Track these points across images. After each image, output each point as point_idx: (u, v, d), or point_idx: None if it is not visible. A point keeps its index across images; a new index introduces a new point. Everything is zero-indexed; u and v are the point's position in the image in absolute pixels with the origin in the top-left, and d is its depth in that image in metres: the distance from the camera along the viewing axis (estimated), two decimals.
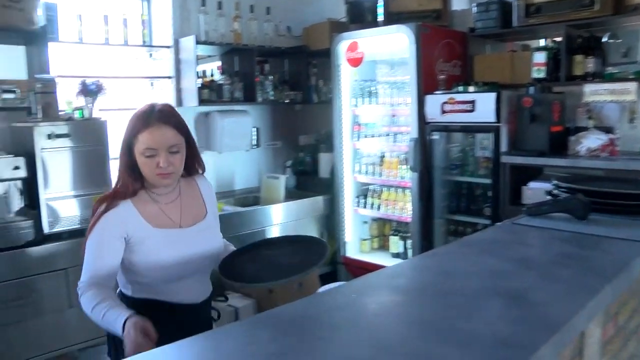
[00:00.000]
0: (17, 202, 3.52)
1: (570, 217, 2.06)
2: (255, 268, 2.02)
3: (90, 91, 3.79)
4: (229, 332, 1.27)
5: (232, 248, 2.20)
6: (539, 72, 4.25)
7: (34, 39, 3.77)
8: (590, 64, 4.15)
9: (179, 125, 1.89)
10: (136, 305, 1.87)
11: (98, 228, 1.85)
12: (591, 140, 3.96)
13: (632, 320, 1.97)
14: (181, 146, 1.89)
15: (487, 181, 4.15)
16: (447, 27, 4.93)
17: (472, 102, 4.10)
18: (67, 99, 3.85)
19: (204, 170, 2.13)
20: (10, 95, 3.65)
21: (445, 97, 4.24)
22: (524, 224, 2.04)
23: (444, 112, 4.24)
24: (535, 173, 4.08)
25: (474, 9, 4.72)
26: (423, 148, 4.36)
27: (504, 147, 4.04)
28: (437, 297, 1.36)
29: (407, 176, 4.52)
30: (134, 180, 1.90)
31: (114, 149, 4.22)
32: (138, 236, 1.87)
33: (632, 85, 3.92)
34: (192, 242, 1.96)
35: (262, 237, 4.41)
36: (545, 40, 4.53)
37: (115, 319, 1.67)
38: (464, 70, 4.80)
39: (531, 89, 4.10)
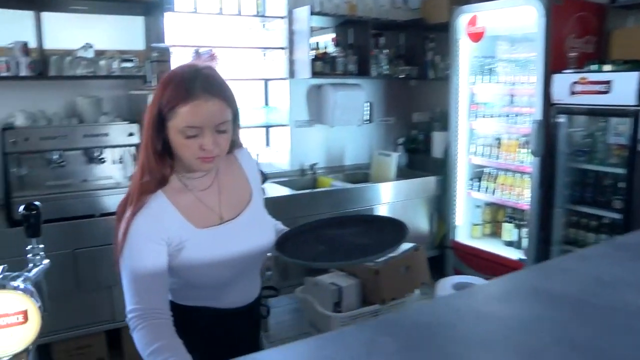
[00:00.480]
0: (130, 168, 3.60)
1: None
2: (321, 249, 1.73)
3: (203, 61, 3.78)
4: (346, 338, 1.10)
5: (282, 227, 1.95)
6: None
7: (151, 9, 3.81)
8: None
9: (229, 97, 1.53)
10: (179, 312, 1.59)
11: (132, 238, 1.48)
12: None
13: None
14: (229, 123, 1.53)
15: (620, 171, 3.75)
16: None
17: (608, 82, 3.71)
18: None
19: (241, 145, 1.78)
20: (128, 64, 3.72)
21: (575, 77, 3.87)
22: None
23: (573, 93, 3.87)
24: None
25: None
26: (546, 131, 4.02)
27: None
28: (597, 314, 1.12)
29: (527, 160, 4.21)
30: (164, 165, 1.54)
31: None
32: (178, 238, 1.54)
33: None
34: (241, 237, 1.64)
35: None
36: None
37: None
38: (598, 47, 4.36)
39: None
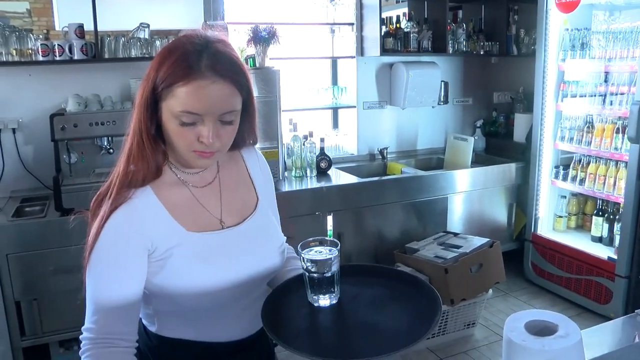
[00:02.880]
0: None
1: None
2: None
3: (261, 38, 3.58)
4: None
5: (292, 254, 1.51)
6: None
7: None
8: None
9: (242, 82, 1.23)
10: (162, 346, 1.34)
11: (105, 241, 1.20)
12: None
13: None
14: (237, 114, 1.25)
15: None
16: None
17: None
18: (240, 46, 3.67)
19: (255, 142, 1.46)
20: None
21: None
22: None
23: None
24: None
25: None
26: None
27: None
28: None
29: (624, 147, 3.75)
30: (156, 153, 1.25)
31: (287, 100, 4.05)
32: (165, 245, 1.24)
33: None
34: (244, 249, 1.32)
35: (443, 206, 4.12)
36: None
37: None
38: None
39: None
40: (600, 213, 4.11)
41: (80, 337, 1.21)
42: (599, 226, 4.10)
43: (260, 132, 3.36)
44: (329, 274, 1.22)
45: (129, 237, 1.20)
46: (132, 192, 1.23)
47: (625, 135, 3.69)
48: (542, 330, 1.22)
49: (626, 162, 3.72)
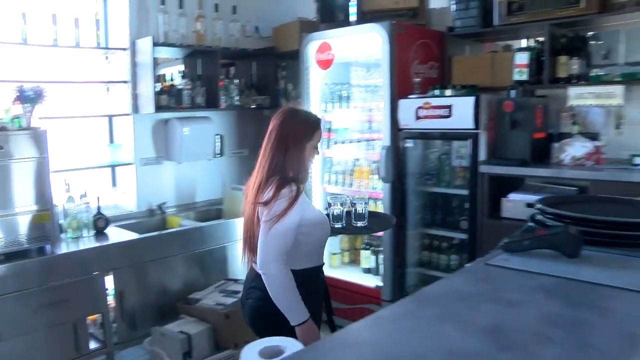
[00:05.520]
0: None
1: (558, 253, 1.70)
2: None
3: (27, 98, 3.54)
4: None
5: None
6: (520, 74, 4.05)
7: None
8: (574, 66, 3.97)
9: None
10: (304, 276, 2.38)
11: (297, 210, 2.29)
12: (576, 148, 3.76)
13: None
14: None
15: (464, 192, 3.93)
16: (424, 26, 4.74)
17: (449, 106, 3.90)
18: (5, 106, 3.59)
19: None
20: None
21: (420, 102, 4.04)
22: (501, 265, 1.66)
23: (418, 117, 4.03)
24: (516, 183, 3.89)
25: (453, 7, 4.54)
26: (396, 156, 4.15)
27: (482, 155, 3.83)
28: None
29: (380, 187, 4.30)
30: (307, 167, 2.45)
31: (62, 160, 4.00)
32: (307, 207, 2.39)
33: (618, 89, 3.74)
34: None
35: (224, 255, 4.32)
36: (527, 41, 4.33)
37: (303, 310, 2.32)
38: (442, 73, 4.60)
39: (512, 93, 3.91)
40: (368, 247, 4.61)
41: (271, 262, 2.28)
42: (367, 258, 4.60)
43: (30, 194, 3.33)
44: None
45: (302, 210, 2.33)
46: (300, 186, 2.39)
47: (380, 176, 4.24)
48: (274, 353, 1.46)
49: (382, 199, 4.26)
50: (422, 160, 4.29)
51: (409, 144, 4.15)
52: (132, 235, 4.01)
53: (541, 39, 4.14)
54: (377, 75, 4.42)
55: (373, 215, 2.70)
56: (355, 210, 2.67)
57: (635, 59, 4.22)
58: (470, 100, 3.79)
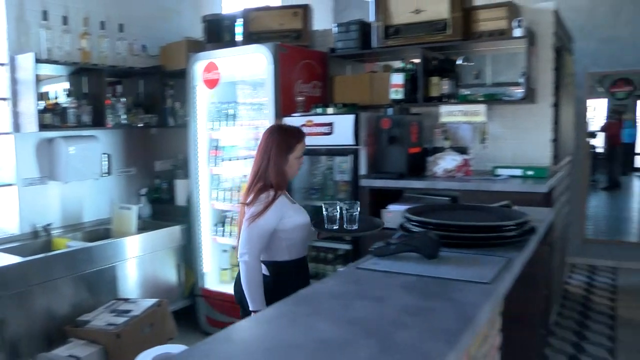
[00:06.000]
0: None
1: (420, 255, 1.93)
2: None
3: None
4: None
5: None
6: (396, 94, 4.35)
7: None
8: (445, 86, 4.31)
9: None
10: (293, 266, 2.84)
11: (273, 213, 2.72)
12: (447, 161, 4.08)
13: (484, 346, 1.98)
14: None
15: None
16: (307, 47, 4.95)
17: (330, 124, 4.11)
18: None
19: None
20: None
21: (303, 120, 4.22)
22: (369, 268, 1.87)
23: None
24: (396, 195, 4.14)
25: (335, 30, 4.78)
26: None
27: (362, 170, 4.07)
28: None
29: None
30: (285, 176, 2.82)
31: None
32: (287, 211, 2.76)
33: (481, 107, 4.10)
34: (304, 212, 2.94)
35: (113, 274, 4.29)
36: (404, 62, 4.64)
37: (261, 300, 2.69)
38: (324, 92, 4.82)
39: (389, 110, 4.17)
40: None
41: (244, 255, 2.70)
42: None
43: None
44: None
45: (277, 212, 2.75)
46: (279, 193, 2.79)
47: None
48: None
49: None
50: (307, 176, 4.47)
51: None
52: (13, 259, 3.88)
53: (416, 60, 4.47)
54: (263, 93, 4.55)
55: (362, 219, 2.90)
56: (350, 214, 2.83)
57: (500, 80, 4.64)
58: (350, 118, 4.02)
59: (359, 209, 2.85)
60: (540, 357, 3.95)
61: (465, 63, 4.87)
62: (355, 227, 2.84)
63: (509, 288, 1.95)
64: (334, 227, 2.87)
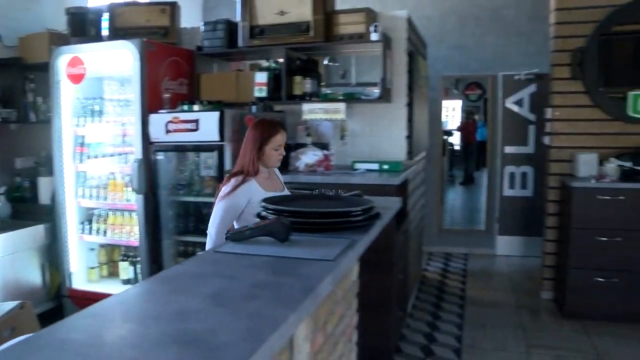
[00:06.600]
0: None
1: (274, 240, 2.10)
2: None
3: None
4: None
5: None
6: (260, 92, 4.51)
7: None
8: (308, 85, 4.53)
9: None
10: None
11: (240, 195, 2.90)
12: (309, 157, 4.30)
13: (340, 325, 2.17)
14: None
15: (213, 200, 4.22)
16: (175, 44, 4.99)
17: (196, 121, 4.19)
18: None
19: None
20: None
21: (169, 116, 4.27)
22: (227, 251, 2.02)
23: (168, 131, 4.26)
24: None
25: (202, 28, 4.86)
26: (148, 169, 4.33)
27: (228, 165, 4.17)
28: (111, 356, 1.21)
29: (133, 199, 4.44)
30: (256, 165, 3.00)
31: None
32: (256, 195, 2.87)
33: (341, 105, 4.36)
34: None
35: None
36: (269, 61, 4.80)
37: None
38: (191, 89, 4.90)
39: (254, 108, 4.32)
40: (125, 258, 4.71)
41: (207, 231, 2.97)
42: (125, 269, 4.69)
43: None
44: None
45: (243, 196, 2.92)
46: (248, 178, 2.95)
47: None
48: None
49: (136, 211, 4.40)
50: (175, 172, 4.53)
51: (160, 156, 4.36)
52: None
53: (281, 60, 4.66)
54: (130, 90, 4.54)
55: None
56: None
57: (363, 80, 4.94)
58: (215, 115, 4.13)
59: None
60: (398, 336, 4.26)
61: (332, 63, 5.15)
62: None
63: (353, 264, 2.21)
64: None
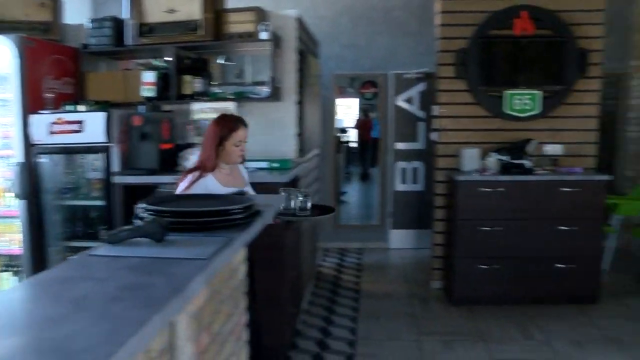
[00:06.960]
0: None
1: (149, 239, 2.06)
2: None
3: None
4: None
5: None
6: (149, 91, 4.42)
7: None
8: (197, 84, 4.48)
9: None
10: None
11: (191, 191, 2.87)
12: (196, 156, 4.25)
13: (227, 324, 2.16)
14: None
15: (101, 203, 4.13)
16: (57, 41, 4.79)
17: (81, 122, 4.06)
18: None
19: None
20: None
21: (53, 117, 4.11)
22: (101, 254, 1.95)
23: (52, 133, 4.10)
24: (150, 191, 4.21)
25: (88, 25, 4.70)
26: (31, 172, 4.14)
27: (115, 167, 4.08)
28: None
29: (15, 204, 4.23)
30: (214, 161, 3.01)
31: None
32: (213, 191, 2.88)
33: (231, 105, 4.36)
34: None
35: None
36: (158, 60, 4.71)
37: None
38: (77, 89, 4.72)
39: (141, 108, 4.23)
40: (8, 269, 4.46)
41: None
42: (7, 280, 4.44)
43: None
44: None
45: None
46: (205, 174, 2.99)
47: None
48: None
49: (18, 217, 4.20)
50: (60, 175, 4.34)
51: (43, 159, 4.18)
52: None
53: (171, 59, 4.58)
54: (9, 89, 4.30)
55: (315, 207, 3.23)
56: (302, 202, 3.17)
57: (258, 79, 4.95)
58: (101, 116, 4.01)
59: (309, 198, 3.28)
60: (293, 332, 4.31)
61: (228, 62, 5.11)
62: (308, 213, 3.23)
63: (230, 262, 2.22)
64: (300, 215, 3.20)
